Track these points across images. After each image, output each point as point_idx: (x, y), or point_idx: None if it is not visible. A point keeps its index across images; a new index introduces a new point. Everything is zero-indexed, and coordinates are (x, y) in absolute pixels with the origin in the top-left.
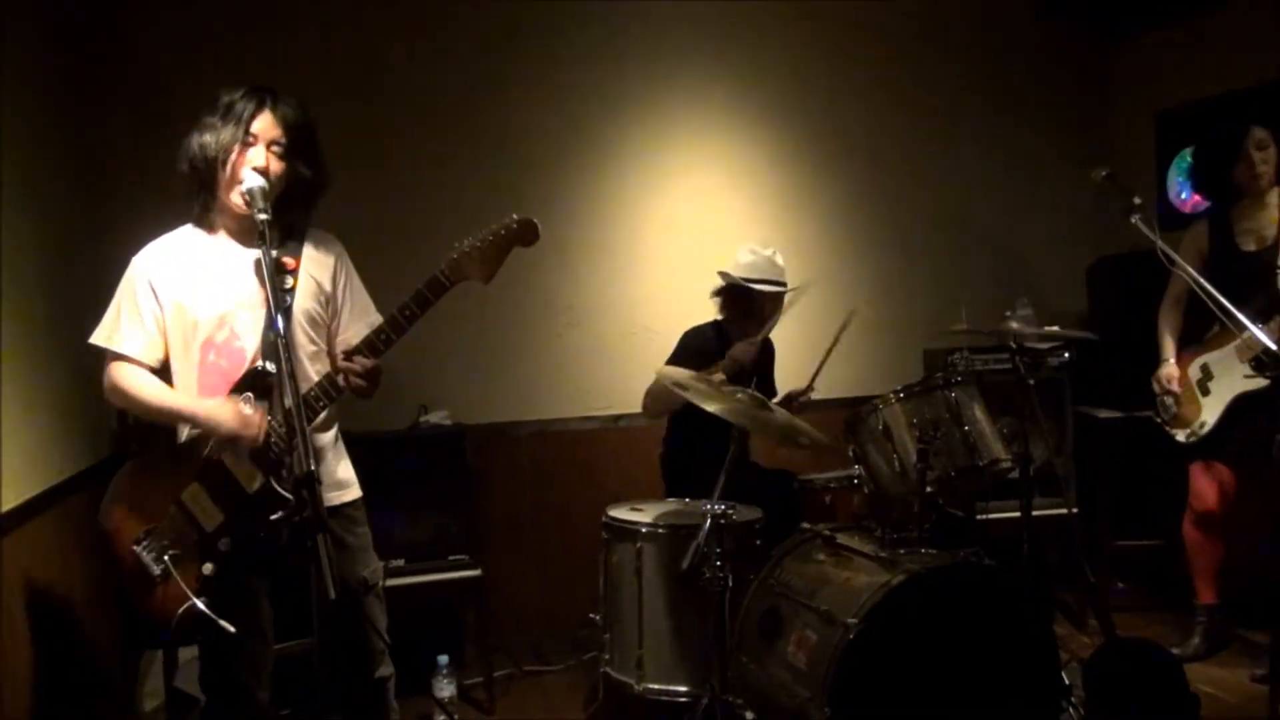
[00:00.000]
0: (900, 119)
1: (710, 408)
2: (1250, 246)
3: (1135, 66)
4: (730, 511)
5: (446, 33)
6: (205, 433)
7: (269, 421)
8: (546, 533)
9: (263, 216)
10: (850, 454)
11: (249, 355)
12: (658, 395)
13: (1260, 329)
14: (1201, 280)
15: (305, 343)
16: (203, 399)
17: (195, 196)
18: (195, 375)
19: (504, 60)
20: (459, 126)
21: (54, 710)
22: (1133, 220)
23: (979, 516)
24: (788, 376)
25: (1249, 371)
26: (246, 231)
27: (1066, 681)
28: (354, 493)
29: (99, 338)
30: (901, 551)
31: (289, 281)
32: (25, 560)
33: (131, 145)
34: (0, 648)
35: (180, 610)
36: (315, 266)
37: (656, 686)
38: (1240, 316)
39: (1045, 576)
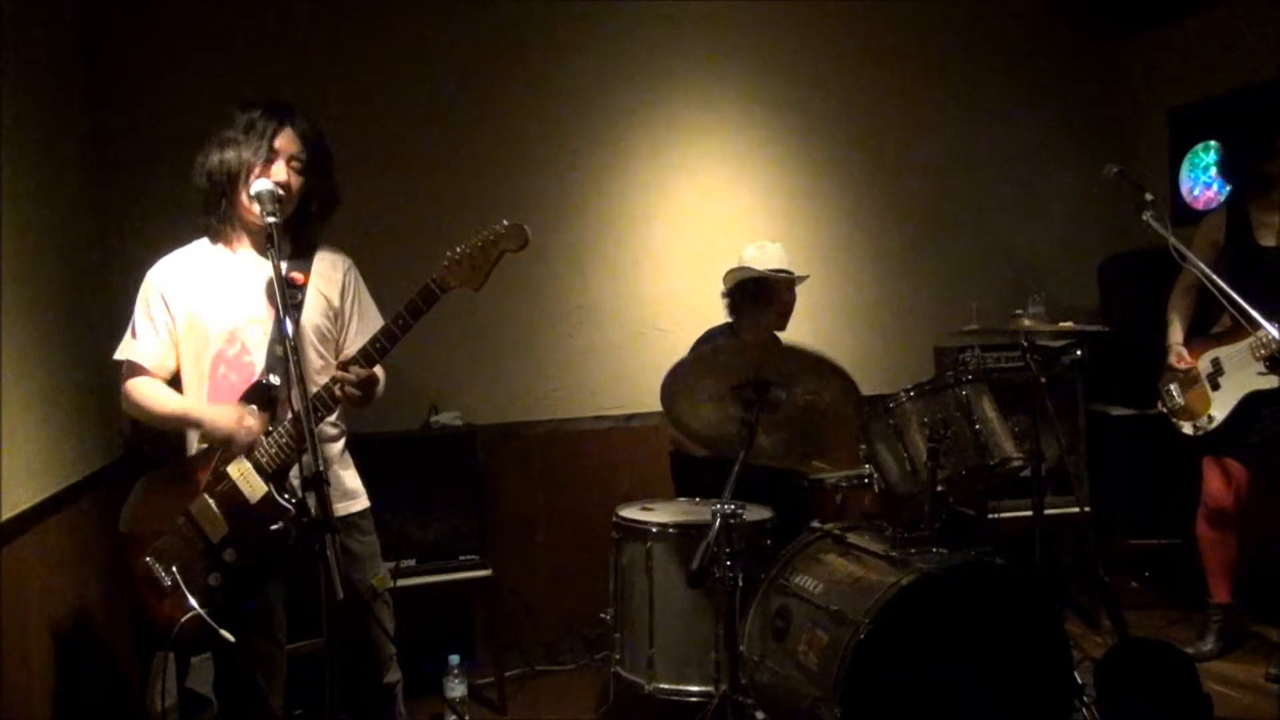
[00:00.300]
0: (911, 116)
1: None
2: (1269, 241)
3: (1148, 62)
4: (740, 511)
5: (447, 34)
6: (206, 436)
7: (273, 433)
8: (557, 532)
9: (271, 219)
10: (861, 453)
11: (257, 370)
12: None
13: (1276, 327)
14: (1215, 277)
15: (314, 357)
16: (207, 404)
17: (212, 211)
18: (206, 388)
19: (507, 61)
20: (462, 130)
21: (71, 710)
22: (1144, 217)
23: (990, 515)
24: None
25: (1263, 370)
26: (261, 246)
27: (1079, 681)
28: (362, 503)
29: (120, 353)
30: (912, 551)
31: (298, 297)
32: (41, 559)
33: (144, 156)
34: (24, 647)
35: (183, 619)
36: (324, 282)
37: (667, 686)
38: (1255, 314)
39: (1058, 575)
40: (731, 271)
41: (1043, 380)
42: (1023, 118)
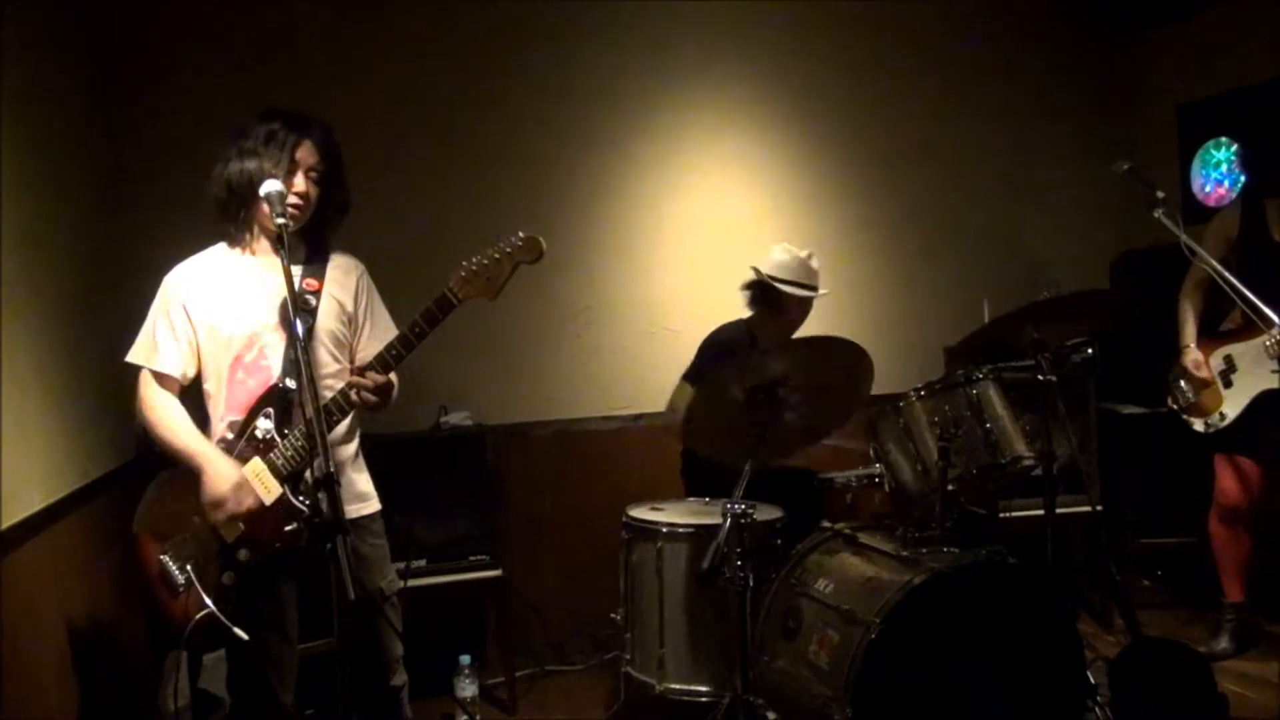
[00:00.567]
0: (920, 114)
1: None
2: None
3: (1158, 59)
4: (751, 511)
5: (454, 37)
6: (203, 485)
7: (289, 435)
8: (567, 532)
9: (280, 220)
10: (871, 452)
11: (275, 375)
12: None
13: None
14: (1227, 274)
15: (329, 361)
16: (218, 452)
17: (230, 219)
18: (225, 392)
19: (514, 62)
20: (469, 132)
21: (86, 710)
22: (1156, 214)
23: (1002, 515)
24: None
25: (1276, 368)
26: (275, 251)
27: (1092, 681)
28: (373, 506)
29: (136, 356)
30: (923, 550)
31: (312, 302)
32: (55, 560)
33: (154, 157)
34: (38, 647)
35: (197, 617)
36: (338, 288)
37: (678, 686)
38: (1268, 312)
39: (1069, 575)
40: (754, 269)
41: (1053, 379)
42: (1033, 115)
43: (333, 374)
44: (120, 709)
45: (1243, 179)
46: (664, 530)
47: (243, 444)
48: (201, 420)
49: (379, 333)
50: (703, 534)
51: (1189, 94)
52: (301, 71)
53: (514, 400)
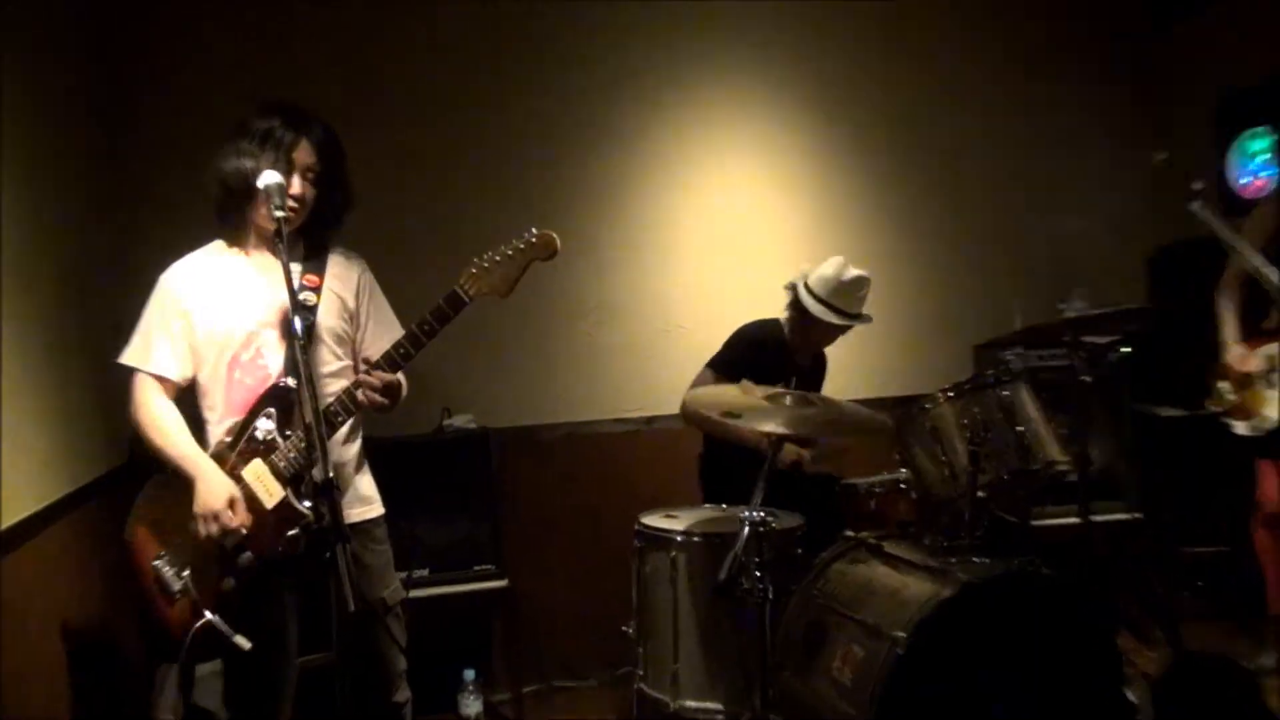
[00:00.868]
0: (947, 104)
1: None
2: None
3: (1194, 45)
4: (770, 518)
5: (464, 26)
6: (195, 496)
7: (291, 436)
8: (576, 541)
9: (279, 214)
10: (897, 457)
11: (273, 374)
12: (690, 416)
13: None
14: (1269, 270)
15: (330, 359)
16: (211, 463)
17: (226, 218)
18: (223, 392)
19: (523, 54)
20: (478, 125)
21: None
22: (1193, 207)
23: (1035, 523)
24: (845, 380)
25: None
26: (273, 248)
27: (1132, 700)
28: (376, 509)
29: (129, 358)
30: (952, 560)
31: (312, 299)
32: (46, 565)
33: (159, 162)
34: (28, 655)
35: (196, 625)
36: (339, 284)
37: (693, 704)
38: None
39: (1107, 587)
40: (799, 279)
41: (1088, 379)
42: (1066, 105)
43: (334, 372)
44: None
45: None
46: (678, 539)
47: (243, 445)
48: (196, 422)
49: (383, 329)
50: (719, 543)
51: (1226, 82)
52: (306, 67)
53: (521, 402)
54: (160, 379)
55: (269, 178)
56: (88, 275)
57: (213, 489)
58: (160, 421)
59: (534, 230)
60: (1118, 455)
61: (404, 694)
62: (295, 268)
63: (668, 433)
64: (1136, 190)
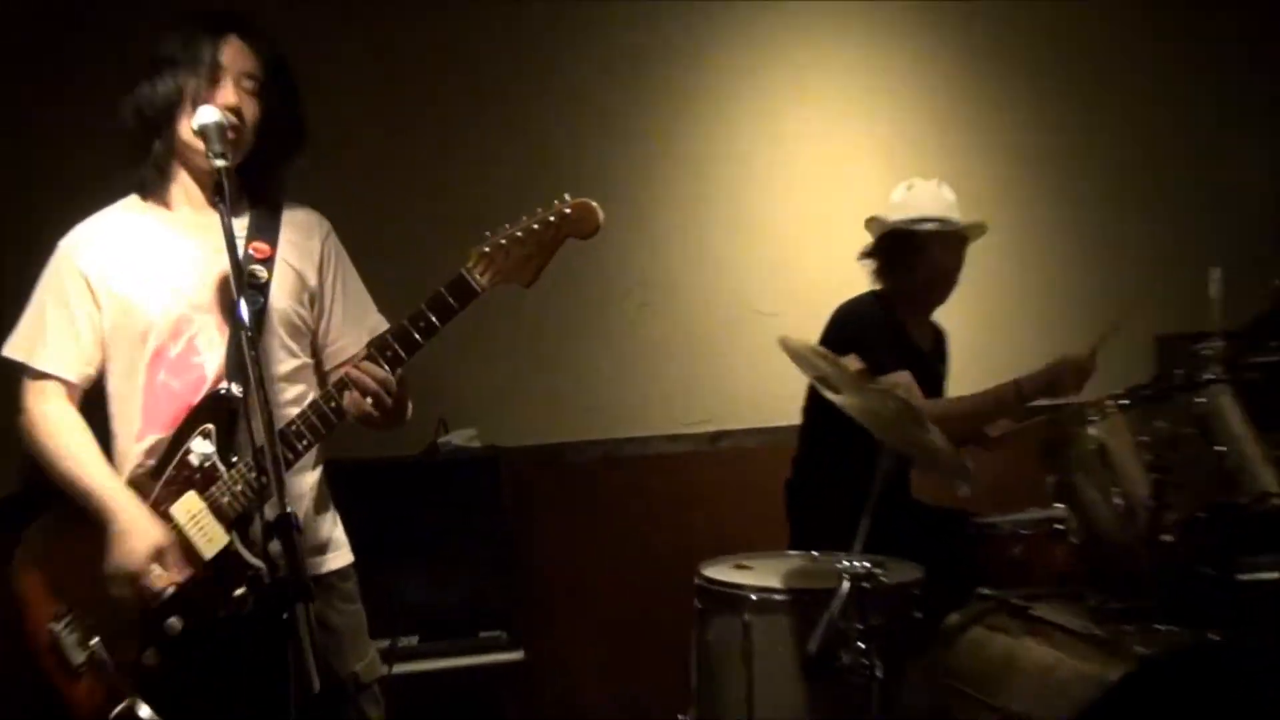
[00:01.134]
0: (1109, 12)
1: (845, 404)
2: None
3: None
4: (878, 570)
5: None
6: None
7: (237, 464)
8: (615, 599)
9: (220, 162)
10: (1049, 488)
11: (210, 375)
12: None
13: None
14: None
15: (284, 356)
16: (132, 499)
17: (143, 159)
18: (140, 400)
19: None
20: (508, 76)
21: None
22: None
23: (1240, 576)
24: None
25: None
26: (209, 202)
27: None
28: (343, 558)
29: (15, 350)
30: (1127, 628)
31: (262, 274)
32: None
33: (65, 103)
34: None
35: (113, 714)
36: (295, 253)
37: None
38: None
39: None
40: (871, 221)
41: None
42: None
43: (287, 374)
44: None
45: None
46: (753, 597)
47: (171, 472)
48: (104, 437)
49: (353, 317)
50: (809, 602)
51: None
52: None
53: (540, 414)
54: (56, 379)
55: (206, 115)
56: None
57: (132, 537)
58: (62, 440)
59: (568, 198)
60: None
61: None
62: (239, 229)
63: (740, 453)
64: None
